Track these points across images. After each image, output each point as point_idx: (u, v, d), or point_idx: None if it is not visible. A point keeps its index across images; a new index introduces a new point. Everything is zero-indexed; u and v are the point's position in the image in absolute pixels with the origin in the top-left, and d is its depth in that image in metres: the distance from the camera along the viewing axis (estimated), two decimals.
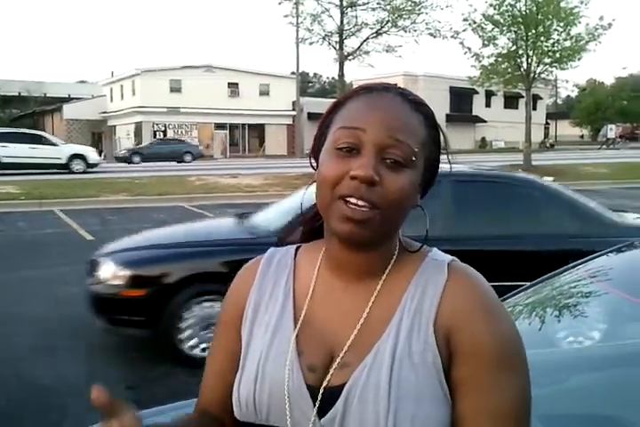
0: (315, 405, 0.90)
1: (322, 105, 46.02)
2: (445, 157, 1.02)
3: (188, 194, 15.35)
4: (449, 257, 0.99)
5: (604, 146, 48.04)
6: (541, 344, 1.64)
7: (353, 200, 0.89)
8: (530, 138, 22.72)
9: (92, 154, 24.51)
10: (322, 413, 0.90)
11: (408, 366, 0.89)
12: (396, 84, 1.00)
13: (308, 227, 1.10)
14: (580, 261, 2.09)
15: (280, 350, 0.95)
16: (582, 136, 68.89)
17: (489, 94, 45.74)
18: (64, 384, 4.20)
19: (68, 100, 50.79)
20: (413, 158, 0.92)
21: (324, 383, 0.91)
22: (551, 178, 19.28)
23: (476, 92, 44.80)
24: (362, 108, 0.94)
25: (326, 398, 0.90)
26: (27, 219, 12.17)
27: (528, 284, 2.09)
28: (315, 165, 1.00)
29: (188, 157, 34.79)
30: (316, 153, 1.00)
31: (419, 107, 0.96)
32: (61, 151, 23.38)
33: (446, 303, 0.92)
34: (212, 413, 1.05)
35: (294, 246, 1.09)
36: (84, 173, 22.68)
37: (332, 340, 0.94)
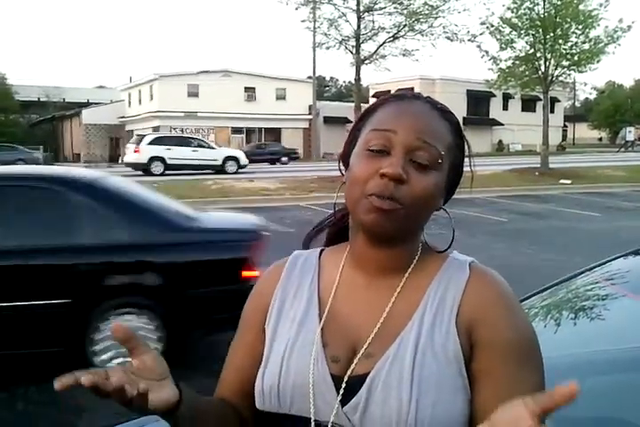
0: (338, 393, 0.94)
1: (338, 109, 46.22)
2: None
3: (205, 198, 15.41)
4: (469, 258, 1.04)
5: (623, 148, 47.58)
6: (555, 347, 1.63)
7: (381, 196, 0.94)
8: (547, 141, 22.56)
9: (242, 156, 26.47)
10: (344, 401, 0.93)
11: (430, 357, 0.93)
12: (426, 95, 1.06)
13: (333, 229, 1.16)
14: (595, 264, 2.07)
15: (305, 342, 0.99)
16: (601, 139, 68.32)
17: (506, 97, 45.49)
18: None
19: (87, 105, 51.23)
20: (440, 161, 0.97)
21: (349, 372, 0.95)
22: (569, 180, 19.24)
23: (494, 96, 44.59)
24: (393, 112, 1.00)
25: (350, 387, 0.94)
26: None
27: (542, 287, 2.08)
28: (343, 169, 1.07)
29: (284, 159, 36.30)
30: (345, 158, 1.06)
31: (446, 115, 1.02)
32: (218, 153, 25.59)
33: (468, 299, 0.96)
34: (229, 402, 1.08)
35: (318, 249, 1.14)
36: (235, 173, 24.52)
37: (355, 333, 0.98)
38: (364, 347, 0.96)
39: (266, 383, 0.98)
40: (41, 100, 53.36)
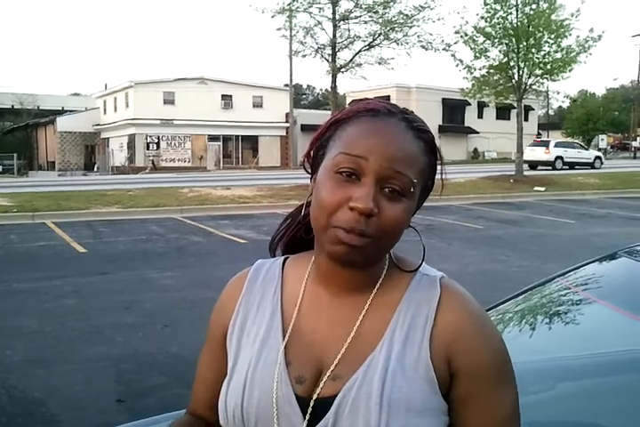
0: (304, 415, 0.91)
1: (315, 117, 46.11)
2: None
3: (181, 206, 15.34)
4: (439, 273, 1.01)
5: None
6: (524, 353, 1.65)
7: (348, 230, 0.90)
8: (521, 149, 22.82)
9: (602, 156, 35.12)
10: (310, 424, 0.91)
11: (400, 379, 0.90)
12: (401, 108, 1.01)
13: (292, 239, 1.13)
14: (563, 271, 2.11)
15: (268, 361, 0.96)
16: None
17: (481, 106, 45.84)
18: (55, 397, 4.18)
19: (62, 112, 50.77)
20: (412, 189, 0.93)
21: (315, 395, 0.92)
22: (543, 188, 19.48)
23: (469, 104, 44.92)
24: (365, 133, 0.94)
25: (316, 410, 0.91)
26: (19, 231, 12.13)
27: (512, 294, 2.11)
28: (309, 169, 1.03)
29: None
30: (311, 159, 1.03)
31: (421, 134, 0.97)
32: (590, 154, 34.24)
33: (442, 319, 0.94)
34: (202, 416, 1.10)
35: (282, 258, 1.11)
36: (599, 168, 31.76)
37: (320, 351, 0.96)
38: (331, 368, 0.93)
39: (229, 402, 0.96)
40: (15, 107, 52.85)
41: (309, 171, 1.03)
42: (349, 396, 0.90)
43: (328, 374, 0.93)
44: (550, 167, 31.00)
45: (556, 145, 32.65)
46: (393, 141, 0.93)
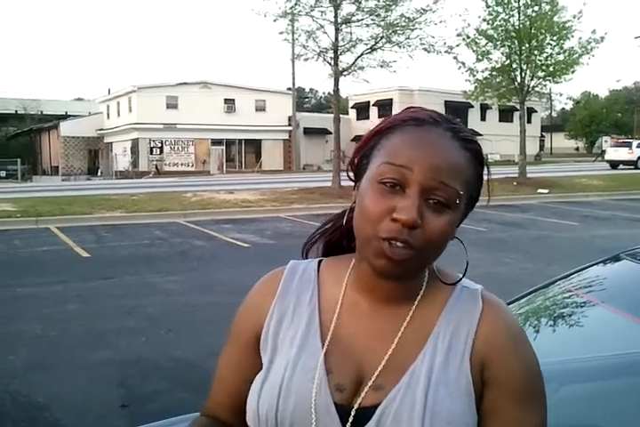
0: (345, 424, 0.91)
1: (318, 120, 46.25)
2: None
3: (184, 210, 15.35)
4: (478, 286, 1.01)
5: (599, 158, 48.15)
6: None
7: (392, 242, 0.89)
8: (524, 151, 22.79)
9: None
10: None
11: (443, 391, 0.90)
12: (448, 117, 0.98)
13: (332, 242, 1.12)
14: (566, 274, 2.10)
15: (307, 366, 0.95)
16: (577, 148, 69.10)
17: (484, 108, 45.86)
18: (57, 402, 4.18)
19: (65, 117, 50.87)
20: (457, 201, 0.92)
21: (356, 404, 0.91)
22: (546, 190, 19.44)
23: (471, 106, 44.91)
24: (409, 143, 0.92)
25: (356, 419, 0.91)
26: (23, 236, 12.16)
27: (515, 296, 2.10)
28: (352, 176, 1.02)
29: None
30: (354, 168, 1.01)
31: (468, 144, 0.95)
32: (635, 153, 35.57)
33: (482, 333, 0.94)
34: (219, 418, 1.07)
35: (316, 260, 1.09)
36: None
37: (361, 361, 0.95)
38: (373, 378, 0.93)
39: (262, 404, 0.94)
40: (18, 112, 52.98)
41: (353, 179, 1.02)
42: (392, 406, 0.90)
43: (370, 384, 0.93)
44: (633, 166, 34.14)
45: (639, 146, 35.95)
46: (438, 152, 0.91)
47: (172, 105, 43.28)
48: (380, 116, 48.02)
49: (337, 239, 1.11)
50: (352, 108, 50.74)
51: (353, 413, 0.91)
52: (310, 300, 1.02)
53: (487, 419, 0.92)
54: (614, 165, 34.50)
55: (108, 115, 48.30)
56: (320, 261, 1.08)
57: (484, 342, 0.94)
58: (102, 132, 47.77)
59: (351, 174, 1.03)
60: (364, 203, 0.92)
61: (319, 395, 0.92)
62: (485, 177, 1.01)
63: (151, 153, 42.66)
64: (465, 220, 1.00)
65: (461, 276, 1.02)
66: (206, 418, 1.08)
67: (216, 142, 44.80)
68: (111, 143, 47.05)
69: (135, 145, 42.90)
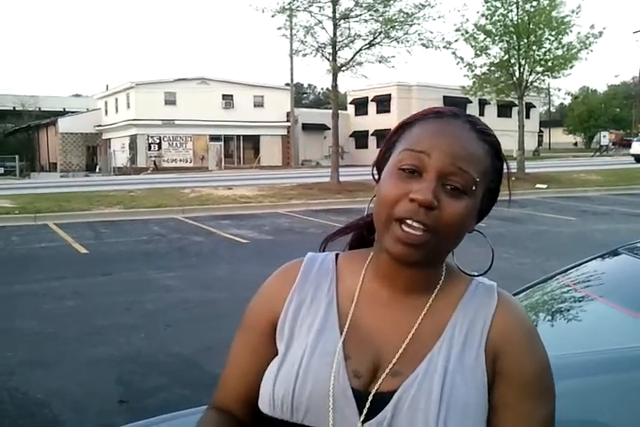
0: (362, 409, 0.92)
1: (316, 116, 46.23)
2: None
3: (183, 206, 15.34)
4: (493, 282, 1.04)
5: (598, 153, 48.19)
6: None
7: (409, 222, 0.91)
8: (523, 146, 22.78)
9: None
10: (365, 418, 0.92)
11: (459, 380, 0.92)
12: (466, 113, 1.02)
13: (358, 235, 1.14)
14: (564, 269, 2.10)
15: (325, 352, 0.96)
16: (576, 143, 69.15)
17: (482, 103, 45.78)
18: (56, 398, 4.18)
19: (63, 113, 50.81)
20: (474, 188, 0.94)
21: (373, 390, 0.93)
22: (545, 185, 19.44)
23: (470, 102, 44.83)
24: (429, 132, 0.96)
25: (372, 404, 0.92)
26: (21, 233, 12.15)
27: (514, 291, 2.10)
28: (376, 176, 1.04)
29: None
30: (379, 165, 1.04)
31: (485, 136, 0.98)
32: None
33: (496, 327, 0.97)
34: (229, 409, 1.07)
35: (332, 253, 1.11)
36: None
37: (378, 348, 0.97)
38: (390, 365, 0.94)
39: (278, 389, 0.95)
40: (16, 109, 52.87)
41: (375, 178, 1.04)
42: (409, 392, 0.91)
43: (387, 371, 0.94)
44: None
45: None
46: (456, 140, 0.95)
47: (170, 101, 43.23)
48: (378, 112, 48.00)
49: (359, 233, 1.13)
50: (350, 103, 50.67)
51: (370, 398, 0.92)
52: (329, 289, 1.04)
53: (497, 411, 0.94)
54: (639, 159, 34.45)
55: (106, 111, 48.23)
56: (337, 255, 1.11)
57: (498, 334, 0.96)
58: (100, 128, 47.72)
59: (375, 171, 1.05)
60: (383, 188, 0.96)
61: (337, 380, 0.93)
62: (505, 171, 1.04)
63: (149, 149, 42.64)
64: None
65: (487, 269, 1.07)
66: (216, 412, 1.07)
67: (214, 138, 44.78)
68: (109, 139, 47.01)
69: (133, 141, 42.87)
